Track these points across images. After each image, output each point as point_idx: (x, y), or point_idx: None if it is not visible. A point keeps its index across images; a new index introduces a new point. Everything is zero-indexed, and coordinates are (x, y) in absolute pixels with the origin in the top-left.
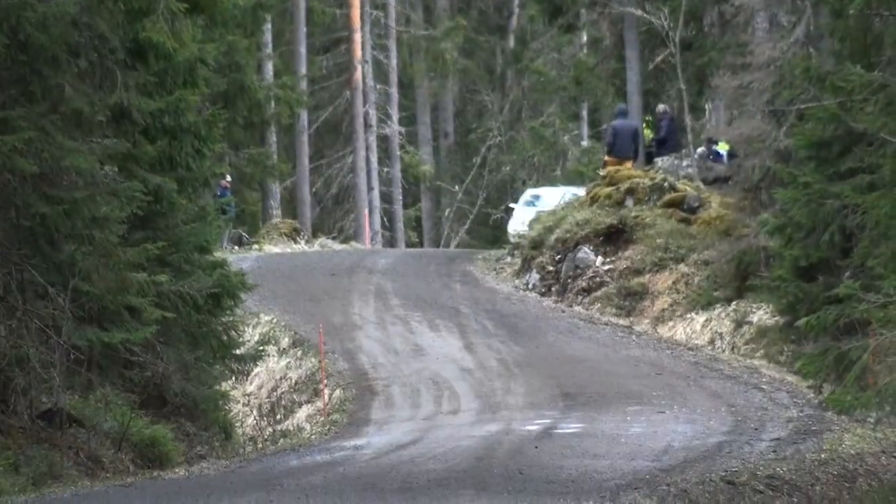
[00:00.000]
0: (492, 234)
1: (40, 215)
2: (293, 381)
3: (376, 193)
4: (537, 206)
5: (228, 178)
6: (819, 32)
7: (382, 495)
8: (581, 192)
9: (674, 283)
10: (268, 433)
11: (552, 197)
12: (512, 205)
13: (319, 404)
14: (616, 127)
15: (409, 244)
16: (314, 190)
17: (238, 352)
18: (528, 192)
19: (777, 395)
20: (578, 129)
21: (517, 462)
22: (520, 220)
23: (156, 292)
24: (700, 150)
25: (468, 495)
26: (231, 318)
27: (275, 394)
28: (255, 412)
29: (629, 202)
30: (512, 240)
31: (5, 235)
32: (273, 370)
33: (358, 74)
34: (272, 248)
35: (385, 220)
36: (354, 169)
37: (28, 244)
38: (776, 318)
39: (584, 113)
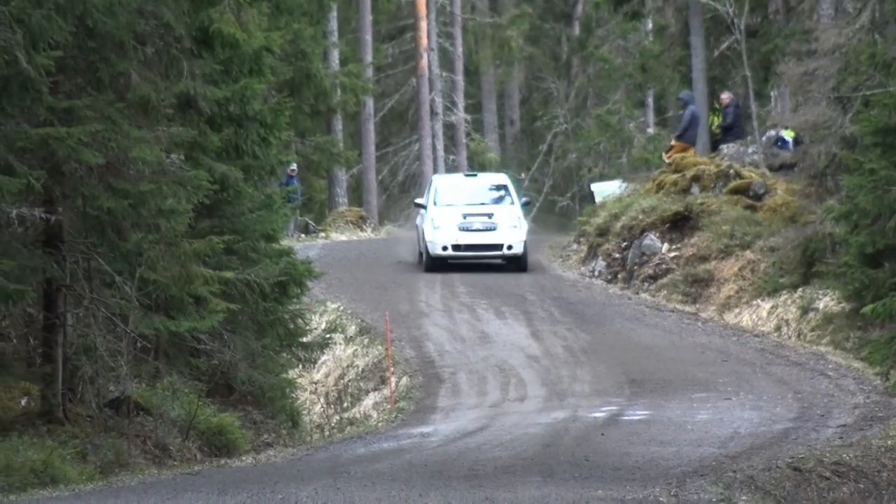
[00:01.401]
0: (558, 221)
1: (107, 208)
2: (360, 369)
3: None
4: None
5: (294, 166)
6: (885, 19)
7: (449, 482)
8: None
9: (740, 269)
10: (335, 421)
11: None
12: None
13: (386, 392)
14: (695, 113)
15: None
16: (380, 178)
17: (305, 340)
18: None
19: (843, 381)
20: (644, 116)
21: (584, 449)
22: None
23: (222, 282)
24: (767, 135)
25: (535, 482)
26: (298, 307)
27: (342, 382)
28: (322, 400)
29: (695, 189)
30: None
31: (72, 224)
32: (340, 358)
33: (424, 62)
34: (339, 236)
35: None
36: (420, 157)
37: (95, 233)
38: (842, 305)
39: (650, 100)
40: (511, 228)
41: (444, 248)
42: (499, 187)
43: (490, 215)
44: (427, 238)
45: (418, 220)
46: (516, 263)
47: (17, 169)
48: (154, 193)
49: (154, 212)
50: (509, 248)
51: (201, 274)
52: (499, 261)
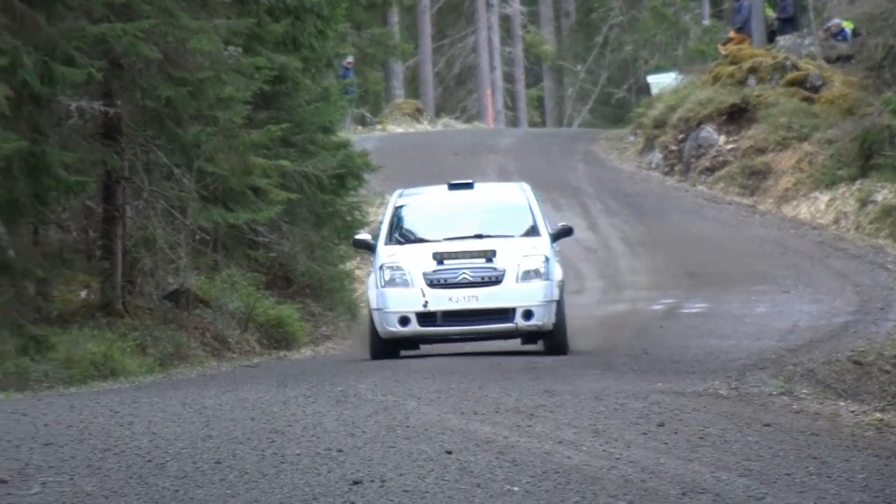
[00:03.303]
0: (614, 113)
1: (165, 97)
2: None
3: (499, 73)
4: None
5: (351, 58)
6: None
7: (508, 375)
8: None
9: (797, 161)
10: None
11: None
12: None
13: None
14: (752, 4)
15: (532, 124)
16: (437, 70)
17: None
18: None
19: None
20: (700, 7)
21: (642, 342)
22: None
23: (281, 173)
24: (824, 27)
25: (594, 375)
26: (355, 199)
27: None
28: None
29: (751, 81)
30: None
31: (131, 117)
32: None
33: None
34: (395, 129)
35: (507, 100)
36: (476, 49)
37: (153, 125)
38: None
39: None
40: (529, 279)
41: (404, 322)
42: (511, 209)
43: (489, 256)
44: (372, 303)
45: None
46: (545, 343)
47: (78, 61)
48: (212, 81)
49: (212, 101)
50: (527, 316)
51: (259, 164)
52: (505, 339)
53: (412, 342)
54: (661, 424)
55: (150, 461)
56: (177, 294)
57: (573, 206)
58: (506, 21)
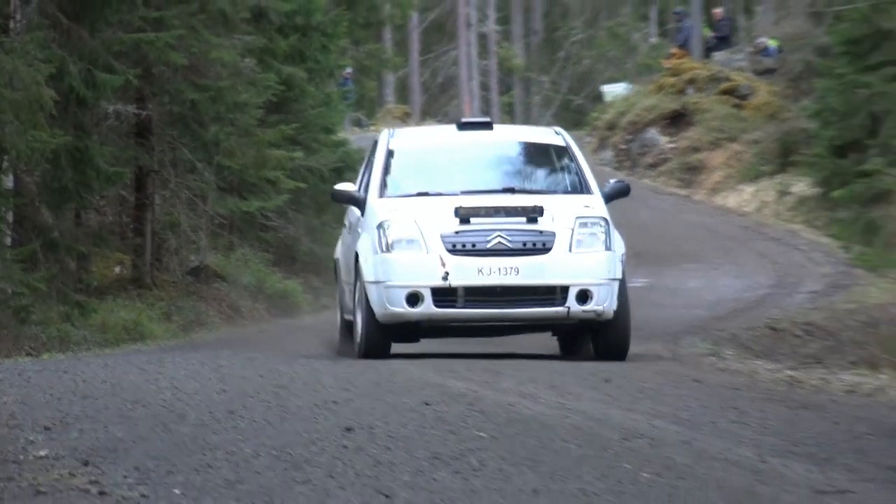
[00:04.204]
0: (573, 118)
1: (190, 101)
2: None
3: (476, 83)
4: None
5: (350, 69)
6: None
7: (480, 341)
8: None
9: (727, 159)
10: None
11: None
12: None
13: None
14: (691, 25)
15: None
16: (423, 80)
17: None
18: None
19: (813, 254)
20: (648, 28)
21: None
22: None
23: (288, 167)
24: (753, 45)
25: (552, 340)
26: None
27: None
28: None
29: (690, 90)
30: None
31: (160, 119)
32: None
33: None
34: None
35: (483, 105)
36: (457, 62)
37: (179, 126)
38: (814, 190)
39: (653, 14)
40: (586, 248)
41: (413, 301)
42: (547, 158)
43: (533, 215)
44: (366, 275)
45: (339, 247)
46: (599, 340)
47: (116, 69)
48: (230, 89)
49: (230, 105)
50: (582, 298)
51: (275, 157)
52: (550, 330)
53: (415, 331)
54: (607, 380)
55: (172, 411)
56: (197, 270)
57: None
58: (482, 38)
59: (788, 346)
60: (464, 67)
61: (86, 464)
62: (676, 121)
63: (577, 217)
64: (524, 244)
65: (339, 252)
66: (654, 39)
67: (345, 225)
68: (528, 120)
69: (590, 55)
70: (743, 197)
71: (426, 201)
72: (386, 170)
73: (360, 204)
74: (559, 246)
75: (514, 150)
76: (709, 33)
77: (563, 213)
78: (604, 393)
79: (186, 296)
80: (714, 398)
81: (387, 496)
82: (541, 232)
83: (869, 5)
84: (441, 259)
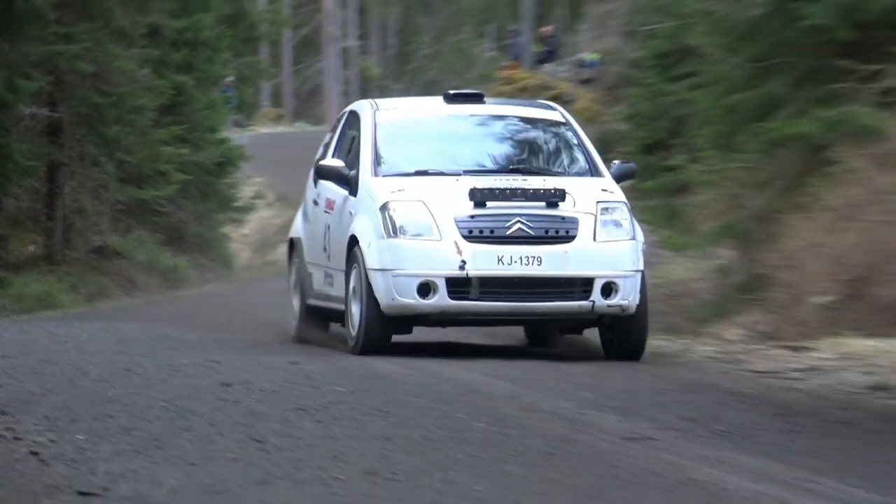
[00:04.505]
0: None
1: (95, 105)
2: (277, 226)
3: (339, 90)
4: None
5: (231, 78)
6: None
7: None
8: None
9: None
10: (257, 264)
11: None
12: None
13: None
14: (523, 41)
15: None
16: (294, 87)
17: (237, 204)
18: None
19: None
20: (485, 43)
21: None
22: None
23: (178, 161)
24: (575, 58)
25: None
26: (231, 180)
27: (263, 235)
28: (248, 249)
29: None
30: None
31: (69, 120)
32: (262, 218)
33: (327, 2)
34: (263, 130)
35: None
36: (323, 72)
37: (86, 126)
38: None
39: (491, 31)
40: (611, 236)
41: (425, 291)
42: (549, 136)
43: (554, 199)
44: (371, 262)
45: (299, 226)
46: (616, 335)
47: (32, 76)
48: (129, 95)
49: (130, 109)
50: (606, 292)
51: (166, 152)
52: (571, 326)
53: (418, 323)
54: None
55: (77, 369)
56: (100, 249)
57: None
58: (345, 52)
59: None
60: (329, 77)
61: (3, 413)
62: None
63: (599, 202)
64: (546, 231)
65: (299, 231)
66: (491, 53)
67: (307, 202)
68: None
69: (436, 66)
70: None
71: (431, 181)
72: (376, 145)
73: (351, 182)
74: (583, 234)
75: (514, 126)
76: (538, 48)
77: (582, 197)
78: (446, 355)
79: (91, 271)
80: (538, 360)
81: (259, 441)
82: (563, 218)
83: (675, 25)
84: (457, 245)
